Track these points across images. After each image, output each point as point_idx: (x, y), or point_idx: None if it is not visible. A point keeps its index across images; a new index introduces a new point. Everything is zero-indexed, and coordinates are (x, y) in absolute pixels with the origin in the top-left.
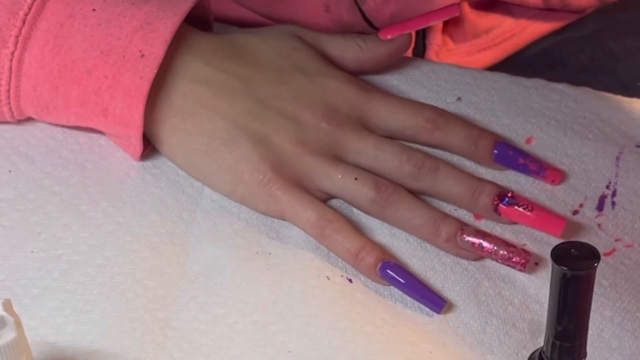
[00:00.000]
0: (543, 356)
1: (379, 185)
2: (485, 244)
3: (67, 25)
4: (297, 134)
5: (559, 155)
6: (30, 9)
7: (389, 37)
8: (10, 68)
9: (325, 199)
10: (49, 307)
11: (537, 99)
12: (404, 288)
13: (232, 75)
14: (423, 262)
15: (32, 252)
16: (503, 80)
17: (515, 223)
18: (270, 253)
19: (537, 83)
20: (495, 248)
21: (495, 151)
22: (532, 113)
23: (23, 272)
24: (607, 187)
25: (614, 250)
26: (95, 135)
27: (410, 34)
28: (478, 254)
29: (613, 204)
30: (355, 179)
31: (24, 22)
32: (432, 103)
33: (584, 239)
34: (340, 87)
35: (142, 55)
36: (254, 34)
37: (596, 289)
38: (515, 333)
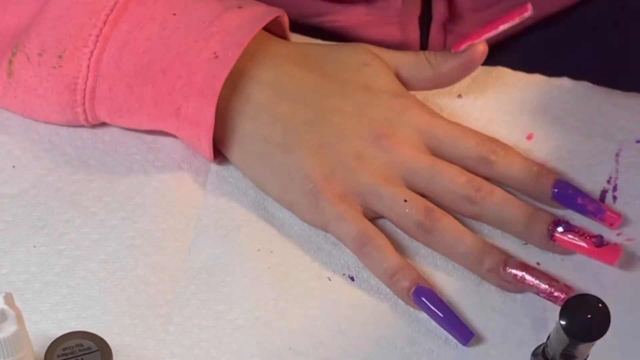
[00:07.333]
0: (546, 350)
1: (428, 209)
2: (528, 277)
3: (147, 28)
4: (353, 148)
5: (559, 151)
6: (112, 10)
7: (462, 48)
8: (88, 67)
9: (372, 217)
10: (50, 302)
11: (537, 94)
12: (434, 316)
13: (298, 82)
14: (425, 259)
15: (35, 246)
16: (503, 76)
17: (571, 252)
18: (272, 251)
19: (537, 79)
20: (537, 282)
21: (555, 189)
22: (532, 109)
23: (25, 266)
24: (608, 181)
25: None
26: (98, 132)
27: (484, 43)
28: (519, 287)
29: (614, 198)
30: (405, 200)
31: (105, 23)
32: (433, 101)
33: None
34: (404, 108)
35: (216, 57)
36: (328, 46)
37: (597, 285)
38: (518, 329)
